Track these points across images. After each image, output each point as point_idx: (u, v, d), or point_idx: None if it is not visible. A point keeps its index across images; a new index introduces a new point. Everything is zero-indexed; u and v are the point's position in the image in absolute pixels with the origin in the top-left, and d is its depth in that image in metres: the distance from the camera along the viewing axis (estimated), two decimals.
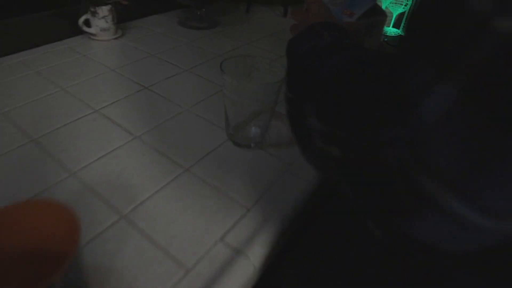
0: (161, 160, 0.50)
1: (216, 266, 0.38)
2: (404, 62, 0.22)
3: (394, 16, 1.00)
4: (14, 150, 0.50)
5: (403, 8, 0.98)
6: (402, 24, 1.01)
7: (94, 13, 0.80)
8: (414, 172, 0.19)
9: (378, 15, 0.55)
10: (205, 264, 0.38)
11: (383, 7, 0.98)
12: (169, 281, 0.36)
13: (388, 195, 0.21)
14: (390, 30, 1.01)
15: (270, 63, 0.50)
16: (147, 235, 0.40)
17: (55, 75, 0.69)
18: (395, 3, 0.98)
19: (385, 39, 0.98)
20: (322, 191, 0.50)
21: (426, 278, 0.29)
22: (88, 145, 0.52)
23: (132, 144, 0.53)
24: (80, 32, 0.84)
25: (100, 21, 0.81)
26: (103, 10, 0.81)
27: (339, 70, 0.28)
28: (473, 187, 0.18)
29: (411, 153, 0.19)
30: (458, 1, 0.18)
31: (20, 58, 0.74)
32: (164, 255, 0.38)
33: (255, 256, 0.39)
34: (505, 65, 0.17)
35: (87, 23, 0.82)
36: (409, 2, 0.96)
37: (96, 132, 0.55)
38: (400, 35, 1.00)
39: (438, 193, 0.18)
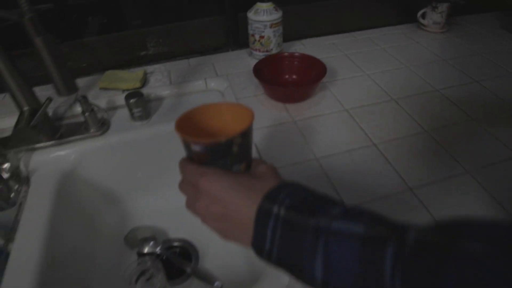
0: None
1: None
2: None
3: None
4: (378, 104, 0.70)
5: None
6: None
7: (434, 8, 0.93)
8: None
9: None
10: None
11: None
12: None
13: None
14: None
15: None
16: None
17: (397, 53, 0.87)
18: None
19: None
20: None
21: None
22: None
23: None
24: (411, 20, 1.00)
25: (437, 15, 0.94)
26: (443, 6, 0.93)
27: None
28: None
29: None
30: None
31: (366, 35, 0.96)
32: None
33: None
34: None
35: (423, 15, 0.97)
36: None
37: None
38: None
39: None
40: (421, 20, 0.97)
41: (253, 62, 0.84)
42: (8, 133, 0.71)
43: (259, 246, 0.29)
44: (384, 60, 0.85)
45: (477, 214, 0.48)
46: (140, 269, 0.59)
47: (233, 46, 0.90)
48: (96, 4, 0.87)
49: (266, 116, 0.67)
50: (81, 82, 0.81)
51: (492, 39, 0.94)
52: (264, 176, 0.32)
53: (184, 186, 0.34)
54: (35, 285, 0.47)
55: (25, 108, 0.63)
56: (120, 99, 0.75)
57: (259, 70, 0.72)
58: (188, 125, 0.34)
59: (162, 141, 0.71)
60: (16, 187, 0.64)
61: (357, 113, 0.68)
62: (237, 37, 0.89)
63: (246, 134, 0.32)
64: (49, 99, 0.59)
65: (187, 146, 0.33)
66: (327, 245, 0.25)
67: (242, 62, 0.85)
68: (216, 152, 0.31)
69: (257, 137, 0.62)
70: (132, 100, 0.68)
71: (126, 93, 0.75)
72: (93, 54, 0.90)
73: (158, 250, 0.68)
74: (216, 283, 0.63)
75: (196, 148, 0.31)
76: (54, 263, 0.54)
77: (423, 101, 0.70)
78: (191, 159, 0.33)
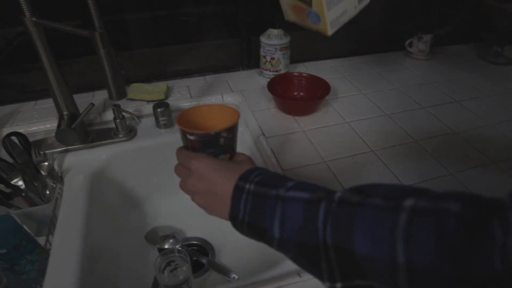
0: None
1: None
2: None
3: None
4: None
5: None
6: None
7: (419, 38, 1.07)
8: None
9: None
10: None
11: None
12: None
13: None
14: None
15: None
16: None
17: (389, 76, 0.99)
18: None
19: None
20: None
21: None
22: None
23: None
24: (399, 48, 1.13)
25: (422, 44, 1.07)
26: (427, 37, 1.06)
27: None
28: None
29: None
30: None
31: (360, 60, 1.09)
32: None
33: None
34: None
35: (410, 44, 1.10)
36: None
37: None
38: None
39: None
40: (408, 48, 1.10)
41: (263, 80, 0.94)
42: (41, 136, 0.78)
43: (234, 217, 0.36)
44: (378, 82, 0.96)
45: None
46: (167, 259, 0.65)
47: (245, 66, 1.01)
48: (121, 24, 0.96)
49: (279, 126, 0.77)
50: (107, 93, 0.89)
51: (469, 67, 1.07)
52: (242, 162, 0.41)
53: (178, 168, 0.42)
54: (77, 277, 0.52)
55: (65, 113, 0.70)
56: (145, 109, 0.83)
57: (272, 86, 0.82)
58: (186, 120, 0.43)
59: None
60: (51, 184, 0.70)
61: (356, 125, 0.78)
62: (249, 58, 0.99)
63: (231, 130, 0.40)
64: (92, 105, 0.66)
65: (183, 135, 0.41)
66: (283, 209, 0.33)
67: (254, 80, 0.95)
68: (206, 142, 0.40)
69: (272, 143, 0.71)
70: (159, 109, 0.76)
71: (151, 103, 0.84)
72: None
73: (178, 246, 0.74)
74: (233, 275, 0.69)
75: (190, 137, 0.40)
76: (92, 256, 0.60)
77: (413, 116, 0.81)
78: (186, 148, 0.42)
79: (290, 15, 0.53)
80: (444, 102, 0.88)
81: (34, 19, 0.58)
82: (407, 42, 1.10)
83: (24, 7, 0.57)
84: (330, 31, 0.50)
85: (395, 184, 0.30)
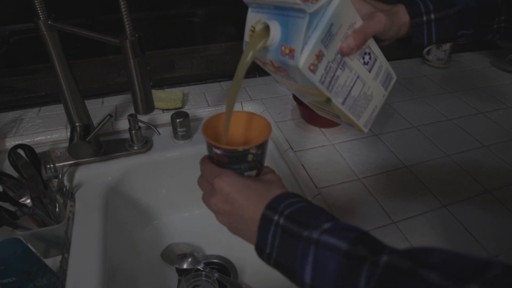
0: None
1: None
2: None
3: None
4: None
5: None
6: None
7: (439, 46, 1.04)
8: None
9: None
10: None
11: None
12: None
13: None
14: None
15: None
16: None
17: (409, 85, 0.96)
18: None
19: None
20: None
21: None
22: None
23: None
24: (416, 55, 1.10)
25: (441, 52, 1.05)
26: (446, 45, 1.04)
27: None
28: None
29: None
30: None
31: None
32: None
33: None
34: None
35: (428, 51, 1.08)
36: None
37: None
38: None
39: None
40: (426, 56, 1.08)
41: (282, 89, 0.90)
42: (48, 147, 0.72)
43: (261, 249, 0.34)
44: (399, 91, 0.93)
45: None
46: (192, 284, 0.60)
47: (261, 71, 0.96)
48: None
49: (306, 139, 0.73)
50: (118, 99, 0.83)
51: (485, 75, 1.05)
52: (270, 183, 0.37)
53: (202, 181, 0.39)
54: None
55: (78, 124, 0.64)
56: (161, 117, 0.78)
57: (296, 96, 0.77)
58: (213, 128, 0.39)
59: None
60: (61, 201, 0.64)
61: (386, 139, 0.74)
62: None
63: (261, 146, 0.37)
64: (109, 116, 0.61)
65: (209, 147, 0.37)
66: (316, 255, 0.29)
67: (272, 88, 0.90)
68: (233, 158, 0.36)
69: (303, 157, 0.67)
70: (178, 120, 0.71)
71: (166, 112, 0.78)
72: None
73: (201, 266, 0.70)
74: None
75: (216, 151, 0.36)
76: (110, 278, 0.55)
77: (440, 128, 0.79)
78: (211, 159, 0.38)
79: (315, 110, 0.49)
80: (469, 114, 0.85)
81: (50, 22, 0.52)
82: (425, 50, 1.07)
83: (38, 8, 0.52)
84: (366, 130, 0.47)
85: (452, 252, 0.26)
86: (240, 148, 0.35)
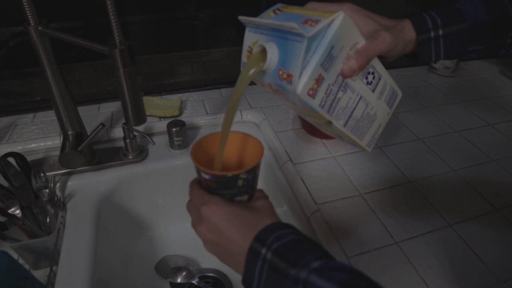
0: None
1: None
2: None
3: None
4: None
5: None
6: None
7: None
8: None
9: None
10: None
11: None
12: None
13: None
14: None
15: None
16: None
17: (415, 94, 0.93)
18: None
19: None
20: None
21: None
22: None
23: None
24: (423, 63, 1.07)
25: (448, 61, 1.02)
26: None
27: None
28: None
29: None
30: None
31: None
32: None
33: None
34: None
35: None
36: None
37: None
38: None
39: None
40: (433, 64, 1.05)
41: None
42: (41, 155, 0.70)
43: (248, 282, 0.32)
44: (404, 100, 0.90)
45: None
46: None
47: None
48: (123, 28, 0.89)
49: (306, 151, 0.70)
50: (115, 105, 0.81)
51: (494, 84, 1.02)
52: (260, 211, 0.35)
53: (190, 206, 0.37)
54: None
55: (70, 132, 0.63)
56: (157, 126, 0.76)
57: None
58: (203, 150, 0.38)
59: None
60: (52, 212, 0.62)
61: (389, 151, 0.71)
62: None
63: (252, 171, 0.35)
64: (102, 125, 0.59)
65: (198, 172, 0.36)
66: None
67: (273, 96, 0.88)
68: (222, 184, 0.35)
69: (302, 171, 0.65)
70: (175, 129, 0.69)
71: (163, 120, 0.76)
72: None
73: (195, 280, 0.67)
74: None
75: (205, 176, 0.35)
76: None
77: (447, 141, 0.76)
78: (200, 183, 0.37)
79: (318, 127, 0.46)
80: (477, 125, 0.82)
81: (40, 28, 0.50)
82: None
83: (28, 14, 0.50)
84: (369, 149, 0.45)
85: None
86: (229, 174, 0.34)
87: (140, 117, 0.48)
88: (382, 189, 0.62)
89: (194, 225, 0.36)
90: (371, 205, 0.59)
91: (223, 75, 1.00)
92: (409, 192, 0.62)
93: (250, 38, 0.36)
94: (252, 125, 0.80)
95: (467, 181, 0.65)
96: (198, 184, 0.37)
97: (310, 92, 0.33)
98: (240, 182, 0.35)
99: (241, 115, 0.80)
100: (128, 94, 0.45)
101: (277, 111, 0.81)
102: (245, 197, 0.37)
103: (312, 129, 0.73)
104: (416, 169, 0.67)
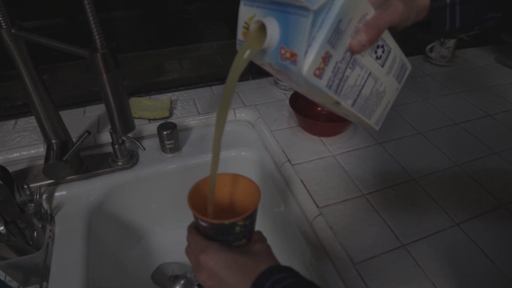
0: None
1: None
2: None
3: None
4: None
5: None
6: None
7: (442, 43, 0.99)
8: None
9: None
10: None
11: None
12: None
13: None
14: None
15: None
16: None
17: (412, 85, 0.91)
18: None
19: None
20: None
21: None
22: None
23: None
24: (418, 53, 1.05)
25: (444, 50, 0.99)
26: (450, 42, 0.98)
27: None
28: None
29: None
30: None
31: None
32: None
33: None
34: None
35: (431, 49, 1.02)
36: None
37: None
38: None
39: None
40: (429, 54, 1.02)
41: (278, 92, 0.84)
42: (24, 165, 0.66)
43: None
44: (401, 92, 0.87)
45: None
46: None
47: (254, 74, 0.90)
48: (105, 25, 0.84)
49: (304, 150, 0.67)
50: (101, 108, 0.77)
51: (491, 72, 1.00)
52: (258, 255, 0.36)
53: (189, 252, 0.38)
54: None
55: (54, 141, 0.59)
56: (147, 128, 0.72)
57: (294, 102, 0.72)
58: (200, 193, 0.38)
59: (193, 174, 0.68)
60: (39, 226, 0.59)
61: (390, 147, 0.69)
62: None
63: (249, 217, 0.35)
64: (87, 133, 0.55)
65: (196, 219, 0.36)
66: None
67: (267, 92, 0.85)
68: (219, 231, 0.35)
69: (302, 172, 0.62)
70: (165, 132, 0.65)
71: (153, 122, 0.73)
72: None
73: None
74: None
75: (202, 223, 0.35)
76: None
77: (448, 134, 0.73)
78: (198, 228, 0.37)
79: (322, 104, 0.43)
80: (477, 116, 0.80)
81: (13, 31, 0.46)
82: (428, 47, 1.02)
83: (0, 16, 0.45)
84: (377, 128, 0.43)
85: None
86: (227, 222, 0.34)
87: (128, 124, 0.44)
88: (385, 188, 0.60)
89: (195, 271, 0.37)
90: (375, 205, 0.57)
91: (214, 71, 0.96)
92: (413, 190, 0.60)
93: (246, 13, 0.32)
94: (246, 124, 0.77)
95: (471, 176, 0.63)
96: (196, 229, 0.38)
97: (317, 72, 0.30)
98: (237, 229, 0.35)
99: (235, 113, 0.77)
100: (113, 101, 0.42)
101: (271, 109, 0.78)
102: (243, 241, 0.37)
103: (309, 126, 0.70)
104: (419, 165, 0.65)
